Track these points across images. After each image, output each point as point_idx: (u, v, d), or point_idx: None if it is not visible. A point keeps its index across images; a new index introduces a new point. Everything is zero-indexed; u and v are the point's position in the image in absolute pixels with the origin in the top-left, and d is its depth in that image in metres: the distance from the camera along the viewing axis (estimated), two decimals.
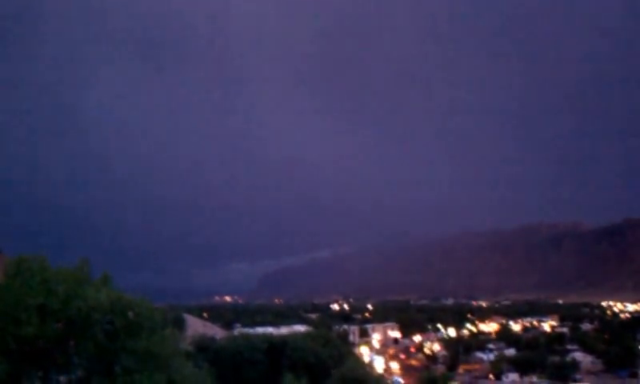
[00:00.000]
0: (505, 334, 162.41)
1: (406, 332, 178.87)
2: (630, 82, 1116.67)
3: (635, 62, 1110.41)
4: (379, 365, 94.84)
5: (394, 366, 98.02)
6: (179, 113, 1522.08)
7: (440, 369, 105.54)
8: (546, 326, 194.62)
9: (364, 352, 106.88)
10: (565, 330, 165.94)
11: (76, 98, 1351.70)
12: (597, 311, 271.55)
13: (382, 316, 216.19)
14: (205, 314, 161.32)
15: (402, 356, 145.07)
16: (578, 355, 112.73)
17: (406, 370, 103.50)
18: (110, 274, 17.64)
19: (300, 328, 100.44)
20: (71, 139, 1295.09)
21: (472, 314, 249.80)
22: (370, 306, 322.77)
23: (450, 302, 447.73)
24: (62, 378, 16.83)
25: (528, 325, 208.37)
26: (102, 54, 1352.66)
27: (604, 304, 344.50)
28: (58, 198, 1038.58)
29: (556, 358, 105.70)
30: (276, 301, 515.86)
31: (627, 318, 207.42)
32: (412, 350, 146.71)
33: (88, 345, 15.96)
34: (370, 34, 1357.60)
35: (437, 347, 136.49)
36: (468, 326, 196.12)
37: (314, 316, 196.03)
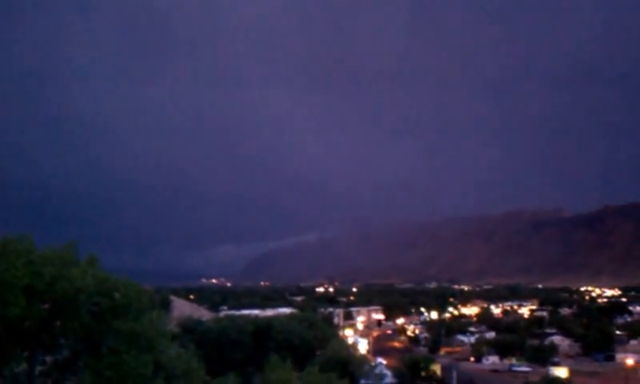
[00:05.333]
0: (486, 318, 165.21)
1: (390, 315, 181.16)
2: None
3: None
4: (363, 347, 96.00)
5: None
6: (169, 100, 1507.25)
7: (422, 351, 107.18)
8: (526, 310, 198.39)
9: (348, 334, 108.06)
10: (544, 314, 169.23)
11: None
12: (575, 296, 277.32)
13: (366, 299, 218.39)
14: (191, 296, 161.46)
15: (389, 331, 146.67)
16: (557, 339, 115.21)
17: (389, 352, 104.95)
18: (96, 256, 17.62)
19: (285, 310, 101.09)
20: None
21: (454, 298, 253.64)
22: (354, 289, 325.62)
23: (433, 285, 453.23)
24: (48, 359, 16.89)
25: (508, 309, 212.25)
26: None
27: (582, 289, 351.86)
28: (45, 179, 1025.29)
29: (535, 342, 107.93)
30: (262, 283, 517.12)
31: (605, 303, 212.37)
32: (391, 332, 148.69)
33: (74, 326, 16.00)
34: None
35: (419, 330, 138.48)
36: (450, 309, 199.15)
37: (299, 299, 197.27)
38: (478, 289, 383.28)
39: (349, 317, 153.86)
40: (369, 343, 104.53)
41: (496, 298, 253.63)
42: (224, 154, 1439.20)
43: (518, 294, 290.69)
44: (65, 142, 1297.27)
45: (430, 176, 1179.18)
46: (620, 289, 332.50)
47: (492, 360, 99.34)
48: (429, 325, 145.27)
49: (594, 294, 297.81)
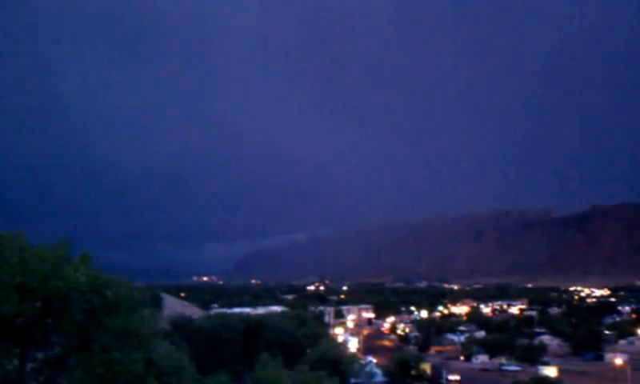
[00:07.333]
0: (475, 317, 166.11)
1: (380, 313, 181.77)
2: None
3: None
4: (353, 345, 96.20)
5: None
6: (161, 97, 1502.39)
7: (412, 350, 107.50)
8: (516, 310, 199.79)
9: (339, 333, 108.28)
10: (533, 313, 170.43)
11: None
12: (564, 296, 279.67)
13: (356, 297, 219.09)
14: (183, 294, 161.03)
15: (382, 329, 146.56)
16: (546, 338, 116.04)
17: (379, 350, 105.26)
18: (88, 254, 17.64)
19: (276, 309, 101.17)
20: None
21: (444, 297, 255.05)
22: (345, 288, 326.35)
23: (423, 284, 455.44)
24: (40, 355, 16.90)
25: (498, 308, 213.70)
26: None
27: (572, 289, 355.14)
28: (39, 177, 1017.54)
29: (524, 341, 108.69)
30: (253, 281, 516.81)
31: (593, 302, 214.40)
32: (385, 331, 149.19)
33: (66, 323, 16.05)
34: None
35: (409, 328, 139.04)
36: (440, 308, 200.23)
37: (290, 297, 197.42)
38: (467, 288, 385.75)
39: (339, 315, 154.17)
40: (359, 342, 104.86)
41: (486, 298, 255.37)
42: (217, 154, 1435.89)
43: (508, 294, 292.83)
44: (59, 139, 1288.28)
45: (419, 175, 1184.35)
46: (609, 289, 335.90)
47: (482, 359, 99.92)
48: (419, 324, 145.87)
49: (583, 294, 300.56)
